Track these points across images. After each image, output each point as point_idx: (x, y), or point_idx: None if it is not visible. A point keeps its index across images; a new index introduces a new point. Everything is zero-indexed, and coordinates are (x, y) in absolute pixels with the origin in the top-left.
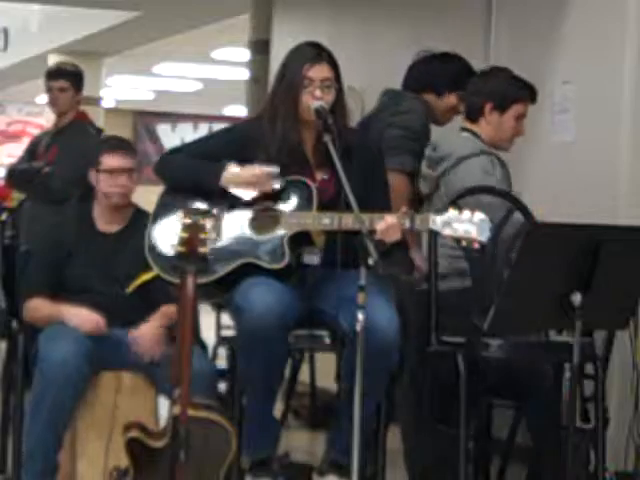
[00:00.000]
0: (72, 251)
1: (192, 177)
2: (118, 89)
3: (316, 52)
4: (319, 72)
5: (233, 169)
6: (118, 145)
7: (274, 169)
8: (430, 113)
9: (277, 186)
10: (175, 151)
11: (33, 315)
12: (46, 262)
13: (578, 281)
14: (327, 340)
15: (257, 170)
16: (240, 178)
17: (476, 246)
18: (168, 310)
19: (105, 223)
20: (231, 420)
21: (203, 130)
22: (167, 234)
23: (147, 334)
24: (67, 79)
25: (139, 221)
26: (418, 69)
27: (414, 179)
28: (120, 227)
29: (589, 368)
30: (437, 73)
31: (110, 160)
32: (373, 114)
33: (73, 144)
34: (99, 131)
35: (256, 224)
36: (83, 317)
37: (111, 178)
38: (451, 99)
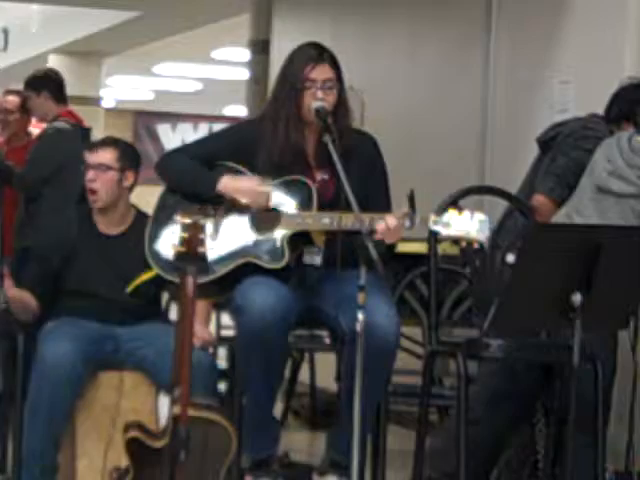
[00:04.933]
0: (73, 253)
1: (189, 182)
2: (118, 89)
3: (318, 53)
4: (321, 73)
5: (229, 180)
6: (96, 143)
7: (268, 187)
8: None
9: (271, 203)
10: (176, 151)
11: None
12: (43, 264)
13: (578, 281)
14: (327, 340)
15: (253, 185)
16: (236, 189)
17: (475, 246)
18: None
19: (105, 225)
20: (231, 420)
21: (203, 130)
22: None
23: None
24: None
25: (141, 224)
26: (622, 98)
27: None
28: (122, 230)
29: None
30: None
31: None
32: (563, 137)
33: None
34: (78, 129)
35: (256, 223)
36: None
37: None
38: None
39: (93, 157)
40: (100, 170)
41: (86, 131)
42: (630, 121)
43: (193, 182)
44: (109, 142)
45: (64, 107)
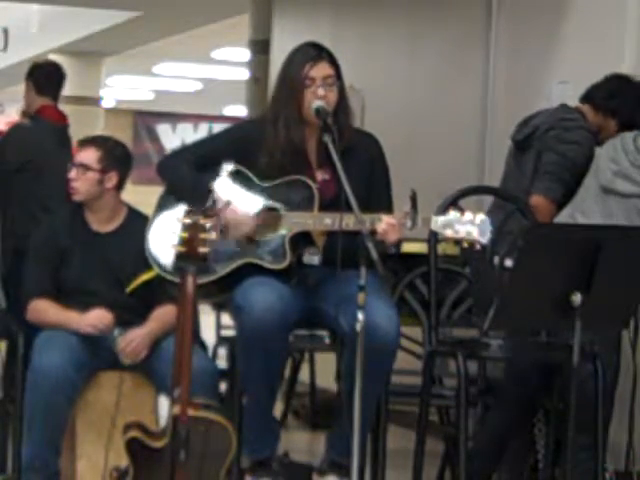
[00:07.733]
0: (67, 251)
1: (185, 193)
2: (118, 89)
3: (316, 51)
4: (320, 71)
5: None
6: (83, 141)
7: (252, 217)
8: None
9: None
10: (177, 153)
11: (39, 317)
12: (44, 262)
13: (578, 281)
14: (327, 340)
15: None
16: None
17: (477, 247)
18: (163, 314)
19: (98, 223)
20: (231, 420)
21: (203, 130)
22: (165, 234)
23: (136, 340)
24: None
25: (134, 221)
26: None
27: (559, 207)
28: (113, 227)
29: None
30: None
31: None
32: (542, 132)
33: None
34: (49, 127)
35: (257, 224)
36: (92, 320)
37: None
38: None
39: (77, 155)
40: (80, 169)
41: (62, 129)
42: (615, 117)
43: (189, 195)
44: (94, 141)
45: (47, 101)
